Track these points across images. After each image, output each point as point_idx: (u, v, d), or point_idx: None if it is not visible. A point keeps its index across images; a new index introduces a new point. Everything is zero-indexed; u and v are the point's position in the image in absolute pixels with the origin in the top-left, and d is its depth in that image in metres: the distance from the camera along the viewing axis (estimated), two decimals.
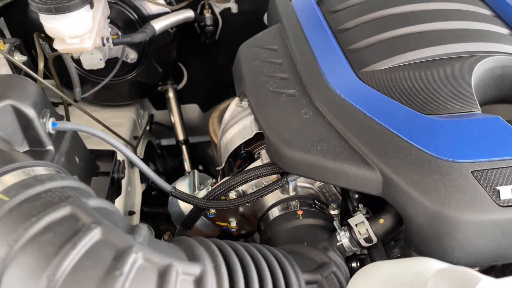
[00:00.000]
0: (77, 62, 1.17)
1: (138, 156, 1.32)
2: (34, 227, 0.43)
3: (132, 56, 1.31)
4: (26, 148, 0.67)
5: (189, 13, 1.29)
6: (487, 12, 0.93)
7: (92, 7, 0.91)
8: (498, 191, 0.60)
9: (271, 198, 0.79)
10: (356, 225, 0.69)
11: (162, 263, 0.45)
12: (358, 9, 0.93)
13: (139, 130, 1.45)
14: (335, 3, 0.98)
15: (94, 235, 0.43)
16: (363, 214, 0.69)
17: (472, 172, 0.62)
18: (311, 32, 0.89)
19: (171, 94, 1.57)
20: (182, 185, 0.86)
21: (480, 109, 0.72)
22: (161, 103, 1.66)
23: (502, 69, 0.82)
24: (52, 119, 0.68)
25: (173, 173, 1.75)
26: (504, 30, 0.88)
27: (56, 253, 0.41)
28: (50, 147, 0.68)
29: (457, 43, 0.81)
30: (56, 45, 0.95)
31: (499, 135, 0.66)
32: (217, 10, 1.47)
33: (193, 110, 1.75)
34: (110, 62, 1.25)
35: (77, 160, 0.75)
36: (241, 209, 0.84)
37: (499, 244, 0.61)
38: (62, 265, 0.41)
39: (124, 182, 1.06)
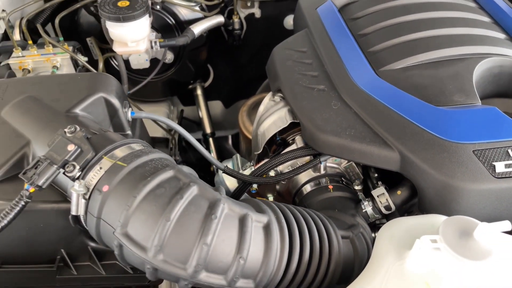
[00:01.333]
0: (125, 62, 1.32)
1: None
2: (150, 184, 0.58)
3: (169, 56, 1.46)
4: (110, 130, 0.83)
5: (220, 19, 1.45)
6: (486, 19, 1.07)
7: (150, 16, 1.07)
8: (494, 166, 0.75)
9: (304, 177, 0.95)
10: (378, 196, 0.84)
11: (241, 212, 0.60)
12: (375, 17, 1.08)
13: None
14: (355, 11, 1.13)
15: (193, 190, 0.59)
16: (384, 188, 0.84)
17: (473, 151, 0.77)
18: (335, 36, 1.04)
19: (199, 91, 1.72)
20: (228, 165, 1.01)
21: (480, 102, 0.86)
22: (188, 100, 1.81)
23: (499, 69, 0.96)
24: (130, 109, 0.84)
25: (197, 165, 1.90)
26: (501, 35, 1.02)
27: (169, 202, 0.57)
28: (129, 131, 0.84)
29: (461, 46, 0.95)
30: (115, 48, 1.10)
31: (495, 122, 0.81)
32: (242, 15, 1.62)
33: (216, 106, 1.91)
34: (151, 62, 1.41)
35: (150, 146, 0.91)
36: (277, 186, 1.00)
37: (495, 208, 0.76)
38: (174, 210, 0.56)
39: None
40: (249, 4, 1.59)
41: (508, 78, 0.97)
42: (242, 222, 0.59)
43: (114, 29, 1.02)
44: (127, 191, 0.58)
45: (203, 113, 1.73)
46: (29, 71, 1.12)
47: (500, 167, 0.75)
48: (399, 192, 0.83)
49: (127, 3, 1.01)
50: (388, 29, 1.03)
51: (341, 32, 1.05)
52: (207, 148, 1.78)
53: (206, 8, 1.49)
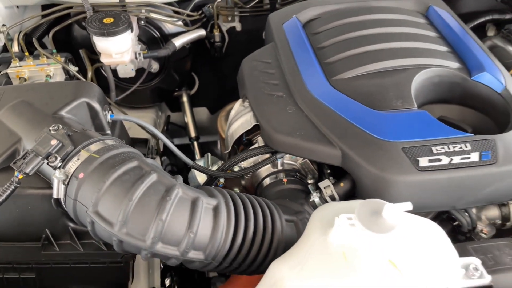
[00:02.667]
0: (113, 71, 1.46)
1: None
2: (117, 172, 0.71)
3: (155, 66, 1.60)
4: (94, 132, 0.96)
5: (201, 32, 1.59)
6: (432, 34, 1.20)
7: (132, 31, 1.21)
8: (418, 161, 0.88)
9: (264, 172, 1.07)
10: (324, 188, 0.96)
11: (194, 196, 0.73)
12: (333, 32, 1.21)
13: (158, 129, 1.74)
14: (316, 27, 1.26)
15: (153, 177, 0.72)
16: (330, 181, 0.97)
17: (402, 148, 0.89)
18: (296, 49, 1.17)
19: (185, 98, 1.85)
20: (200, 163, 1.13)
21: (416, 106, 0.99)
22: (176, 106, 1.95)
23: (438, 78, 1.09)
24: (110, 112, 0.97)
25: (184, 168, 2.03)
26: (443, 48, 1.15)
27: (132, 186, 0.70)
28: (109, 131, 0.97)
29: (403, 58, 1.08)
30: (102, 59, 1.24)
31: (423, 123, 0.94)
32: (224, 28, 1.76)
33: (203, 112, 2.04)
34: (137, 72, 1.54)
35: (124, 142, 1.04)
36: (243, 181, 1.12)
37: (420, 197, 0.88)
38: (136, 192, 0.69)
39: None
40: (229, 18, 1.73)
41: (446, 86, 1.09)
42: (194, 203, 0.72)
43: (100, 43, 1.16)
44: (98, 177, 0.71)
45: (188, 119, 1.87)
46: (25, 80, 1.25)
47: (423, 162, 0.88)
48: (342, 184, 0.96)
49: (112, 20, 1.15)
50: (342, 42, 1.17)
51: (302, 45, 1.19)
52: (193, 150, 1.91)
53: (190, 23, 1.63)
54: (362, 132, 0.93)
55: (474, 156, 0.88)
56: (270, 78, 1.14)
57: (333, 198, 0.96)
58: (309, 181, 1.03)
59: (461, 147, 0.89)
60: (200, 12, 1.63)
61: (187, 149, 1.97)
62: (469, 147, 0.90)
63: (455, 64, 1.10)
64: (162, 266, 1.25)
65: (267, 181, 1.06)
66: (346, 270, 0.68)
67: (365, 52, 1.12)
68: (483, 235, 1.01)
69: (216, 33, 1.65)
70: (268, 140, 1.01)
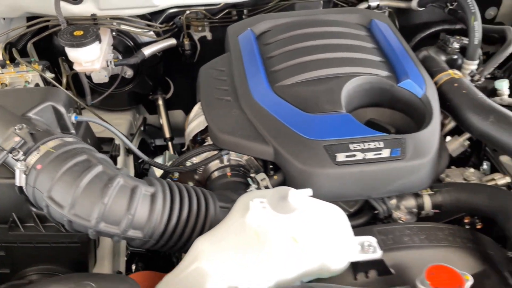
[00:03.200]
0: (89, 77, 1.60)
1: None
2: (68, 164, 0.85)
3: (129, 73, 1.74)
4: (59, 131, 1.10)
5: (172, 41, 1.73)
6: (369, 45, 1.34)
7: (100, 42, 1.35)
8: (336, 156, 1.02)
9: (213, 167, 1.21)
10: (261, 180, 1.10)
11: (133, 184, 0.87)
12: (281, 43, 1.35)
13: (134, 129, 1.88)
14: (268, 38, 1.40)
15: (99, 168, 0.86)
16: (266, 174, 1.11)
17: (323, 145, 1.03)
18: (246, 59, 1.31)
19: (160, 102, 1.99)
20: (159, 159, 1.28)
21: (344, 110, 1.13)
22: (154, 109, 2.09)
23: (369, 85, 1.23)
24: (74, 114, 1.11)
25: None
26: (377, 58, 1.29)
27: (79, 176, 0.84)
28: (73, 131, 1.11)
29: (338, 67, 1.22)
30: (75, 67, 1.38)
31: (344, 124, 1.08)
32: (195, 37, 1.90)
33: (179, 115, 2.18)
34: (113, 77, 1.69)
35: (89, 141, 1.18)
36: (196, 176, 1.26)
37: (338, 187, 1.03)
38: (83, 180, 0.83)
39: (120, 162, 1.48)
40: (200, 28, 1.87)
41: (377, 92, 1.23)
42: (133, 190, 0.86)
43: (71, 53, 1.31)
44: (53, 168, 0.85)
45: (163, 121, 2.01)
46: (6, 85, 1.40)
47: (340, 157, 1.02)
48: (275, 177, 1.10)
49: (82, 32, 1.30)
50: (287, 53, 1.31)
51: (252, 55, 1.32)
52: (168, 149, 2.05)
53: (162, 33, 1.77)
54: (292, 132, 1.07)
55: (385, 153, 1.03)
56: (222, 84, 1.28)
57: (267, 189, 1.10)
58: (252, 175, 1.17)
59: (375, 145, 1.04)
60: (171, 23, 1.78)
61: (165, 149, 2.11)
62: (382, 145, 1.04)
63: (384, 73, 1.24)
64: (129, 252, 1.39)
65: (215, 174, 1.20)
66: (257, 245, 0.82)
67: (305, 61, 1.26)
68: (401, 222, 1.15)
69: (186, 42, 1.79)
70: (214, 139, 1.15)
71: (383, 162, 1.02)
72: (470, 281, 0.75)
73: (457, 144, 1.39)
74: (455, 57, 1.44)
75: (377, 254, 0.85)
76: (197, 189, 0.98)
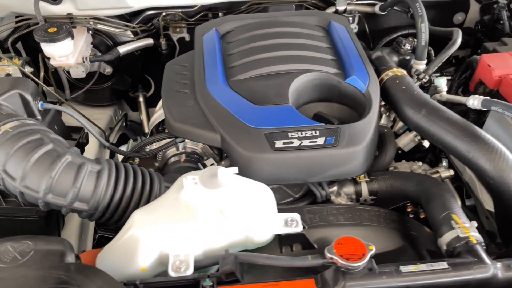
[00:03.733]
0: (68, 73, 1.71)
1: (111, 142, 1.84)
2: (22, 141, 0.95)
3: (108, 70, 1.85)
4: (25, 117, 1.20)
5: (148, 41, 1.84)
6: (323, 45, 1.44)
7: (72, 38, 1.46)
8: (275, 143, 1.11)
9: (170, 154, 1.31)
10: (210, 165, 1.20)
11: (81, 161, 0.97)
12: (241, 42, 1.45)
13: (113, 124, 1.99)
14: (230, 38, 1.50)
15: (50, 146, 0.96)
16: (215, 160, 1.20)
17: (264, 133, 1.12)
18: (207, 56, 1.41)
19: (141, 99, 2.10)
20: (123, 147, 1.38)
21: (289, 102, 1.22)
22: (136, 106, 2.20)
23: (319, 81, 1.32)
24: (41, 102, 1.22)
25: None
26: (328, 57, 1.38)
27: (31, 152, 0.93)
28: (39, 117, 1.21)
29: (289, 64, 1.32)
30: (51, 61, 1.49)
31: (285, 115, 1.16)
32: (174, 38, 2.01)
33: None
34: (92, 74, 1.80)
35: (56, 127, 1.28)
36: (156, 163, 1.36)
37: (276, 171, 1.11)
38: (35, 155, 0.93)
39: (93, 153, 1.58)
40: (178, 30, 1.98)
41: (326, 87, 1.32)
42: (80, 167, 0.96)
43: (45, 48, 1.42)
44: (8, 145, 0.95)
45: (143, 117, 2.12)
46: None
47: (279, 144, 1.11)
48: (223, 162, 1.19)
49: (55, 29, 1.41)
50: (245, 50, 1.41)
51: (212, 53, 1.42)
52: None
53: (140, 32, 1.88)
54: (238, 121, 1.16)
55: (320, 140, 1.11)
56: (182, 78, 1.38)
57: None
58: (206, 162, 1.27)
59: (311, 133, 1.12)
60: (149, 24, 1.89)
61: None
62: (318, 133, 1.12)
63: (333, 70, 1.33)
64: (97, 236, 1.49)
65: (171, 160, 1.29)
66: (187, 217, 0.91)
67: (260, 58, 1.36)
68: None
69: (163, 42, 1.90)
70: (168, 127, 1.25)
71: (317, 149, 1.10)
72: (372, 250, 0.83)
73: (408, 140, 1.48)
74: (408, 57, 1.53)
75: (299, 228, 0.93)
76: (144, 170, 1.07)
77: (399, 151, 1.48)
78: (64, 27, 1.43)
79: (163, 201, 0.95)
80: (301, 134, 1.12)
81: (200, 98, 1.27)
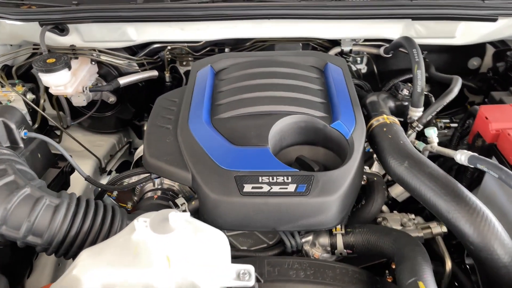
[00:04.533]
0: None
1: (108, 169, 1.85)
2: None
3: (111, 99, 1.89)
4: (8, 144, 1.23)
5: (153, 73, 1.87)
6: (315, 87, 1.40)
7: (69, 69, 1.51)
8: (244, 187, 1.07)
9: (147, 189, 1.29)
10: (181, 204, 1.17)
11: (40, 195, 0.97)
12: (232, 79, 1.44)
13: (115, 150, 2.01)
14: (224, 75, 1.50)
15: (11, 177, 0.96)
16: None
17: (234, 176, 1.09)
18: (197, 92, 1.41)
19: (145, 127, 2.13)
20: (105, 180, 1.37)
21: (268, 144, 1.18)
22: (142, 135, 2.23)
23: (304, 123, 1.28)
24: (25, 130, 1.25)
25: None
26: (318, 99, 1.35)
27: None
28: (21, 145, 1.24)
29: (273, 105, 1.29)
30: (50, 90, 1.54)
31: (262, 158, 1.13)
32: (181, 71, 2.05)
33: None
34: (95, 102, 1.84)
35: (39, 155, 1.30)
36: (135, 197, 1.35)
37: (244, 217, 1.07)
38: None
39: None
40: (185, 63, 2.02)
41: (312, 130, 1.28)
42: (37, 200, 0.95)
43: (42, 77, 1.47)
44: None
45: None
46: None
47: (247, 188, 1.07)
48: (193, 202, 1.16)
49: (54, 60, 1.46)
50: (234, 89, 1.39)
51: (202, 89, 1.42)
52: None
53: (147, 64, 1.92)
54: (210, 161, 1.14)
55: (291, 187, 1.06)
56: (168, 113, 1.38)
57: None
58: (178, 200, 1.24)
59: (282, 179, 1.08)
60: (156, 57, 1.93)
61: None
62: (289, 180, 1.08)
63: (320, 113, 1.29)
64: None
65: (146, 195, 1.28)
66: (132, 262, 0.88)
67: (247, 98, 1.34)
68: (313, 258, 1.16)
69: (167, 74, 1.93)
70: (144, 162, 1.24)
71: (287, 196, 1.05)
72: None
73: (401, 189, 1.40)
74: (406, 103, 1.46)
75: (250, 282, 0.88)
76: (108, 205, 1.06)
77: (389, 201, 1.40)
78: (62, 58, 1.48)
79: (113, 241, 0.93)
80: (272, 179, 1.08)
81: (179, 135, 1.25)
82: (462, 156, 1.07)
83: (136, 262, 0.87)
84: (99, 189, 1.30)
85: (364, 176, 1.30)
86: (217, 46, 1.93)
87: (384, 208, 1.39)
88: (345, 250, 1.14)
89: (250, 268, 0.90)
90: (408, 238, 1.04)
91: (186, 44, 1.89)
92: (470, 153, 1.06)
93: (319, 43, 1.90)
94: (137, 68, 1.86)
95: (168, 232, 0.88)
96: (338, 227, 1.15)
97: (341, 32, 1.75)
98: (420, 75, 1.35)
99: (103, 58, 1.70)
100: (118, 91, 1.89)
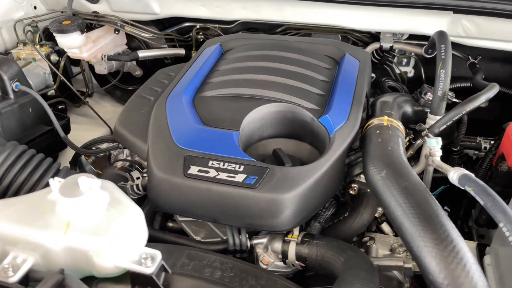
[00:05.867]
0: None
1: None
2: None
3: (137, 72, 1.89)
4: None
5: (179, 51, 1.83)
6: (320, 77, 1.24)
7: (82, 33, 1.52)
8: (190, 168, 0.96)
9: (119, 157, 1.25)
10: (136, 178, 1.10)
11: None
12: (235, 59, 1.33)
13: None
14: (229, 54, 1.39)
15: None
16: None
17: (185, 155, 0.98)
18: (192, 68, 1.32)
19: None
20: None
21: (239, 130, 1.06)
22: None
23: (292, 114, 1.14)
24: (17, 83, 1.27)
25: None
26: (317, 91, 1.18)
27: None
28: (11, 96, 1.27)
29: (261, 89, 1.16)
30: (69, 53, 1.58)
31: (223, 142, 1.01)
32: None
33: None
34: (124, 74, 1.86)
35: (30, 110, 1.33)
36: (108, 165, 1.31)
37: (184, 200, 0.96)
38: None
39: None
40: None
41: (298, 123, 1.13)
42: None
43: (57, 38, 1.51)
44: None
45: None
46: (20, 59, 1.67)
47: (193, 170, 0.96)
48: (146, 177, 1.08)
49: (69, 22, 1.49)
50: (231, 69, 1.29)
51: (199, 66, 1.33)
52: None
53: (177, 41, 1.89)
54: (169, 136, 1.04)
55: (239, 177, 0.93)
56: (158, 85, 1.32)
57: (138, 188, 1.09)
58: (132, 173, 1.16)
59: (233, 167, 0.95)
60: (187, 36, 1.89)
61: None
62: (241, 169, 0.94)
63: (311, 105, 1.13)
64: None
65: (115, 164, 1.22)
66: (35, 219, 0.82)
67: (238, 79, 1.23)
68: (262, 264, 1.01)
69: (194, 54, 1.88)
70: (113, 130, 1.18)
71: (232, 186, 0.92)
72: None
73: None
74: (427, 110, 1.22)
75: (149, 270, 0.77)
76: (56, 164, 1.02)
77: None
78: (77, 21, 1.50)
79: (31, 197, 0.89)
80: (223, 165, 0.96)
81: (154, 107, 1.18)
82: (454, 175, 0.84)
83: (37, 221, 0.82)
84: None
85: (356, 185, 1.11)
86: (249, 31, 1.83)
87: (386, 227, 1.18)
88: (297, 262, 0.97)
89: (157, 254, 0.80)
90: (360, 260, 0.84)
91: (217, 26, 1.82)
92: (464, 171, 0.83)
93: (358, 37, 1.70)
94: (166, 45, 1.84)
95: (74, 196, 0.81)
96: (295, 233, 0.98)
97: (378, 22, 1.54)
98: (444, 76, 1.12)
99: (128, 29, 1.70)
100: (145, 65, 1.89)
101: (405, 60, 1.77)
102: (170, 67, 1.45)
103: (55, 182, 0.84)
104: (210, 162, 0.97)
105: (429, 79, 1.74)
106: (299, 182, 0.92)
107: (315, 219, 1.07)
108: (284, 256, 0.98)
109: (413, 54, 1.73)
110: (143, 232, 0.85)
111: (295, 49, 1.37)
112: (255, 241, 1.01)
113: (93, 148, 1.25)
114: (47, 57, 1.64)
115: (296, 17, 1.58)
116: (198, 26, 1.82)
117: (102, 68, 1.73)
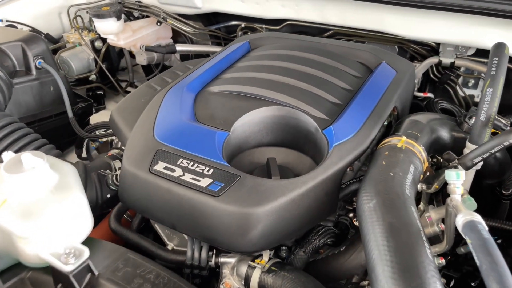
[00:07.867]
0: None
1: None
2: None
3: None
4: (23, 68, 1.29)
5: (215, 49, 1.76)
6: (343, 85, 1.07)
7: (118, 19, 1.51)
8: (157, 163, 0.86)
9: (118, 145, 1.19)
10: (118, 168, 1.03)
11: None
12: (255, 57, 1.22)
13: None
14: (254, 52, 1.28)
15: None
16: None
17: (158, 149, 0.89)
18: (211, 62, 1.23)
19: None
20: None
21: (229, 131, 0.94)
22: None
23: (296, 121, 0.99)
24: (41, 60, 1.29)
25: None
26: (333, 99, 1.02)
27: None
28: (34, 72, 1.29)
29: (268, 91, 1.02)
30: (108, 40, 1.60)
31: (202, 141, 0.89)
32: None
33: None
34: (166, 67, 1.84)
35: (51, 88, 1.34)
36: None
37: (144, 198, 0.86)
38: None
39: None
40: None
41: (303, 133, 0.99)
42: None
43: (95, 23, 1.52)
44: None
45: None
46: (68, 43, 1.73)
47: (160, 166, 0.86)
48: None
49: (108, 8, 1.49)
50: (247, 66, 1.18)
51: (218, 60, 1.24)
52: None
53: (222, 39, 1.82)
54: (150, 128, 0.96)
55: (204, 182, 0.81)
56: (171, 76, 1.25)
57: (117, 178, 1.02)
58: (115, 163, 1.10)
59: (203, 169, 0.83)
60: (233, 35, 1.82)
61: None
62: (209, 173, 0.82)
63: (319, 114, 0.97)
64: None
65: (111, 151, 1.17)
66: None
67: (247, 77, 1.11)
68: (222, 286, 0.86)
69: None
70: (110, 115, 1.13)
71: (193, 190, 0.80)
72: None
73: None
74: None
75: (67, 267, 0.68)
76: (34, 135, 1.00)
77: None
78: (115, 8, 1.50)
79: None
80: (192, 165, 0.84)
81: (154, 97, 1.11)
82: (460, 220, 0.63)
83: None
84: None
85: None
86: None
87: None
88: None
89: (84, 251, 0.70)
90: None
91: (264, 26, 1.72)
92: (474, 217, 0.61)
93: (416, 49, 1.47)
94: (210, 42, 1.78)
95: (15, 172, 0.75)
96: (265, 259, 0.83)
97: (433, 31, 1.31)
98: (491, 96, 0.88)
99: (170, 21, 1.68)
100: (183, 58, 1.85)
101: (472, 81, 1.50)
102: (193, 60, 1.38)
103: (8, 156, 0.79)
104: (180, 160, 0.86)
105: (503, 106, 1.44)
106: (272, 197, 0.77)
107: (300, 247, 0.91)
108: (246, 283, 0.83)
109: (482, 74, 1.46)
110: (84, 224, 0.77)
111: (326, 52, 1.21)
112: (222, 259, 0.88)
113: (96, 132, 1.21)
114: (92, 43, 1.67)
115: (339, 19, 1.42)
116: (243, 25, 1.73)
117: (142, 59, 1.72)
